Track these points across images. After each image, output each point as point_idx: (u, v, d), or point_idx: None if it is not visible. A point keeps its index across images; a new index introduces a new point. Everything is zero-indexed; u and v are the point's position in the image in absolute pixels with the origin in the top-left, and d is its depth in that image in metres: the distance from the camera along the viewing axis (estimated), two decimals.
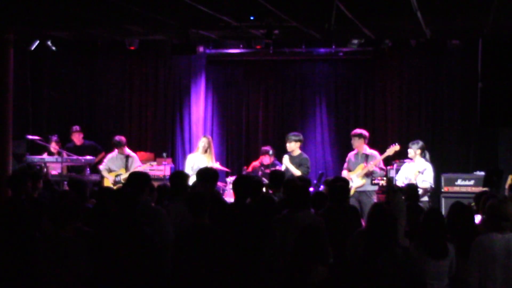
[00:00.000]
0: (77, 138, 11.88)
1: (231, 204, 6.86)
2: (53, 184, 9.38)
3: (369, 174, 10.15)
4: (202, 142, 10.84)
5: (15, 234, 5.38)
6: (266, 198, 6.81)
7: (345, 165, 10.63)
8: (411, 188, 8.07)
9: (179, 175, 7.07)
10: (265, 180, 9.39)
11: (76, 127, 11.96)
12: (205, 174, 7.20)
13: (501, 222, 5.15)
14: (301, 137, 10.54)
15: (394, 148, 10.30)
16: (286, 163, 10.22)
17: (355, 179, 10.21)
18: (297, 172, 10.03)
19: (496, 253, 5.10)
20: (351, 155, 10.59)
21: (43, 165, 10.86)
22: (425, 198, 9.92)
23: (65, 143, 11.87)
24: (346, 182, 7.93)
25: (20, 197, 6.92)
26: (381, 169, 10.29)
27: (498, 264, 5.10)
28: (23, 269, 5.28)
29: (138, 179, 6.30)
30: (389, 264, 4.69)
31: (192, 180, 7.96)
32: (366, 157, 10.34)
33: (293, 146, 10.37)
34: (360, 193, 10.14)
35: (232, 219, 6.32)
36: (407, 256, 4.88)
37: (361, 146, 10.42)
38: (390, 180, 9.11)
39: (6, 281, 5.28)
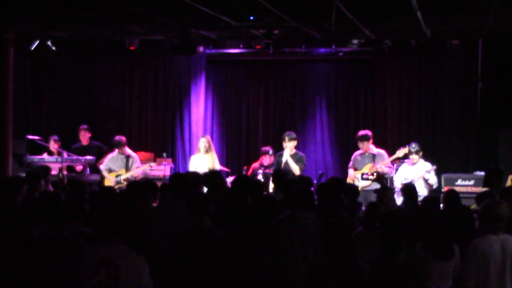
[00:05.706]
0: (84, 138, 11.70)
1: (232, 203, 6.84)
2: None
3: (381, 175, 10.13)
4: (202, 142, 10.89)
5: (13, 234, 5.37)
6: (268, 198, 6.79)
7: (350, 163, 10.63)
8: (410, 187, 7.96)
9: (179, 177, 7.05)
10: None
11: (84, 126, 11.79)
12: (211, 177, 7.24)
13: (496, 223, 5.12)
14: (295, 136, 10.61)
15: (404, 150, 10.26)
16: (287, 157, 10.30)
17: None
18: (295, 167, 10.18)
19: (492, 254, 5.07)
20: (357, 154, 10.60)
21: (60, 169, 10.68)
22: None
23: (65, 143, 11.83)
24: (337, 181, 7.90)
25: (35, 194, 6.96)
26: (389, 167, 10.32)
27: (494, 265, 5.08)
28: (21, 269, 5.27)
29: None
30: (403, 264, 4.70)
31: None
32: (373, 157, 10.35)
33: (291, 145, 10.47)
34: (367, 192, 10.10)
35: (234, 218, 6.29)
36: (412, 256, 4.90)
37: (368, 147, 10.45)
38: (380, 177, 9.01)
39: (4, 281, 5.27)
